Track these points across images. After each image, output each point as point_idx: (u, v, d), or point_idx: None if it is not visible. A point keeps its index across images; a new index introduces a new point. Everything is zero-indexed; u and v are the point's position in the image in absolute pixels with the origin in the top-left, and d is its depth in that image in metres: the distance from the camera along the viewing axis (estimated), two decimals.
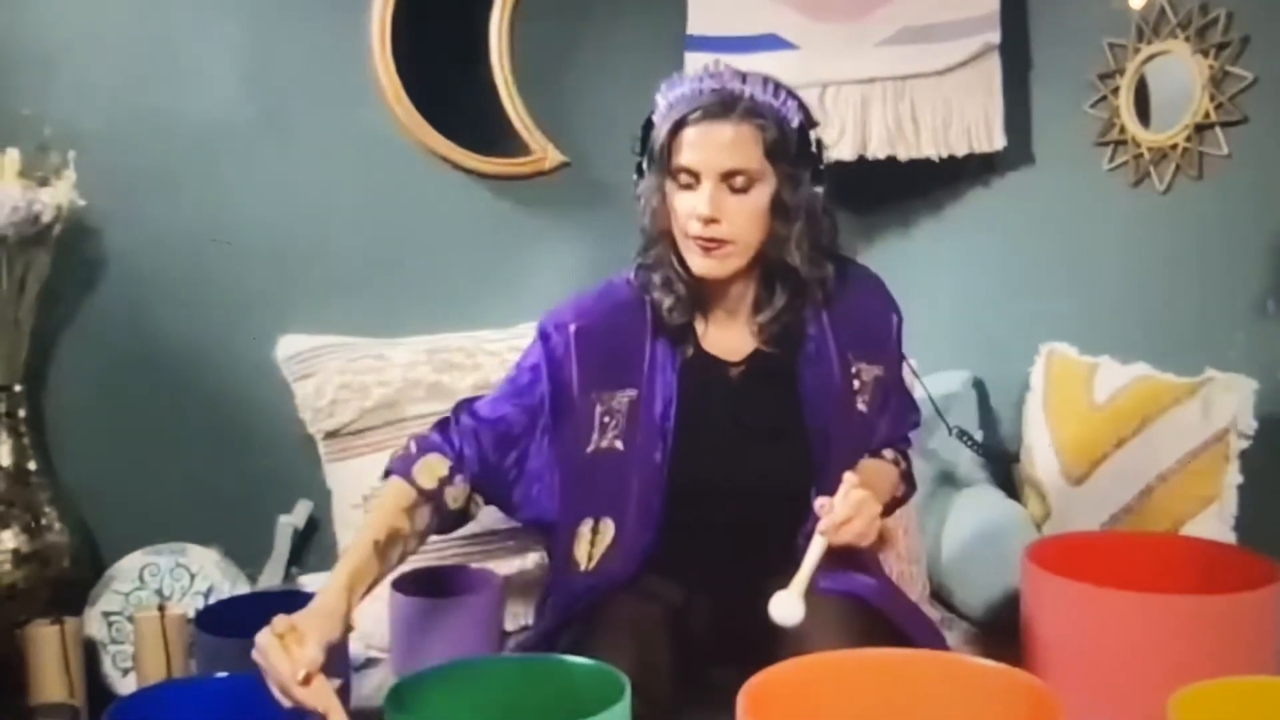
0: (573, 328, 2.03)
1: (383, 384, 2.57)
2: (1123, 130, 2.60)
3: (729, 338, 2.06)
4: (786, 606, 1.75)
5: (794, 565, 1.80)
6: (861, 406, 2.05)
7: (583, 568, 2.02)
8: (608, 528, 2.02)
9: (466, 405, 2.08)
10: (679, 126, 1.90)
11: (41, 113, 2.46)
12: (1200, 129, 2.44)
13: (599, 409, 2.01)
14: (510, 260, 2.94)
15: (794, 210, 1.94)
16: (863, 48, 2.87)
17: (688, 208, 1.91)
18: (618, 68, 3.01)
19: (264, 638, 1.63)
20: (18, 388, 2.44)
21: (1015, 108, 2.83)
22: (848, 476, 1.83)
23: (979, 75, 2.81)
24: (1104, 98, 2.65)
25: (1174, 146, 2.49)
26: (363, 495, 2.58)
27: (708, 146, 1.89)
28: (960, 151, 2.84)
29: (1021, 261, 2.93)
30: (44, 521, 2.44)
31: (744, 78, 1.93)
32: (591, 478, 2.02)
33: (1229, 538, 2.24)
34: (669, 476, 1.99)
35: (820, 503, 1.81)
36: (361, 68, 2.79)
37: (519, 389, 2.06)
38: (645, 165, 1.99)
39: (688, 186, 1.92)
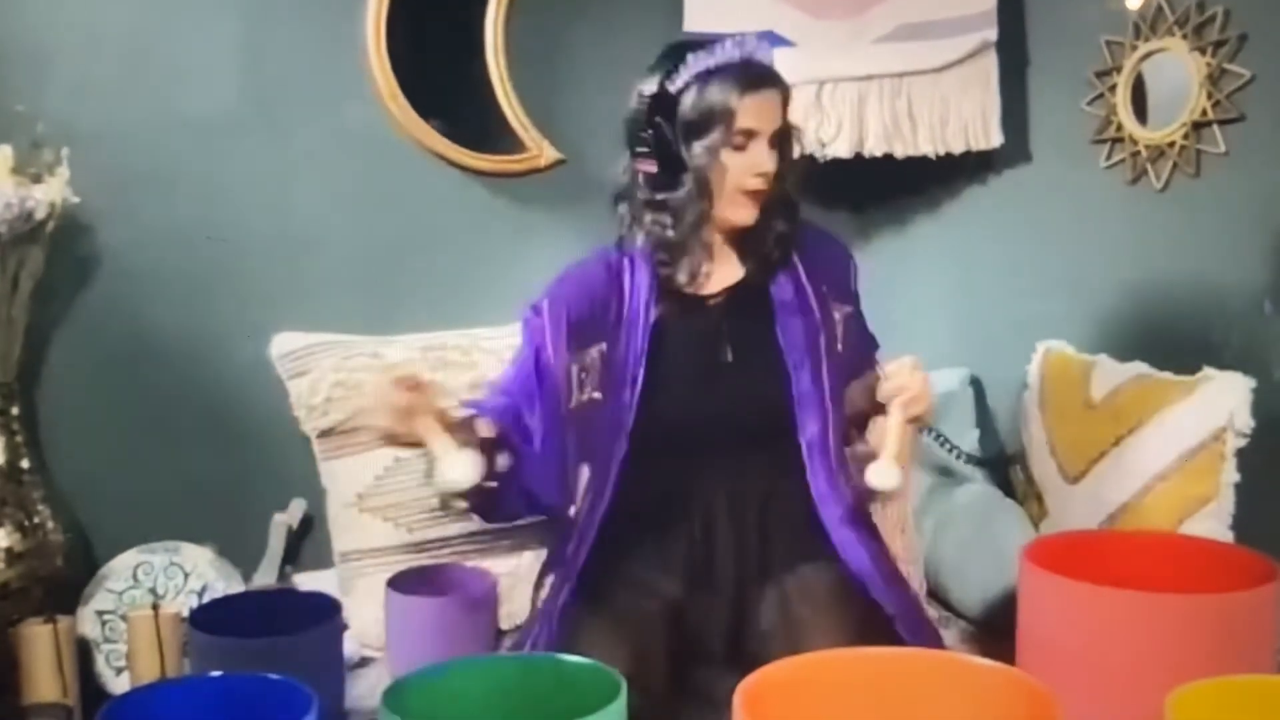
0: (544, 303, 2.20)
1: None
2: (1120, 128, 2.60)
3: (712, 274, 2.18)
4: (884, 474, 1.89)
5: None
6: (839, 345, 2.18)
7: (574, 523, 2.16)
8: (583, 474, 2.17)
9: (485, 387, 2.27)
10: (741, 94, 2.06)
11: (35, 109, 2.45)
12: (1197, 126, 2.44)
13: (575, 368, 2.15)
14: (505, 257, 2.93)
15: (790, 150, 2.15)
16: (860, 45, 2.86)
17: (744, 165, 2.07)
18: (613, 65, 2.98)
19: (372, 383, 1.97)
20: (11, 385, 2.44)
21: (1012, 105, 2.82)
22: (904, 359, 2.01)
23: (976, 72, 2.81)
24: (1101, 95, 2.64)
25: (1171, 144, 2.48)
26: (356, 493, 2.58)
27: (765, 110, 2.07)
28: (957, 149, 2.84)
29: (1018, 259, 2.92)
30: (37, 520, 2.43)
31: (760, 45, 2.14)
32: (573, 431, 2.15)
33: (1226, 536, 2.24)
34: (641, 414, 2.11)
35: (887, 373, 2.00)
36: (357, 65, 2.79)
37: (522, 370, 2.18)
38: (676, 131, 2.09)
39: (739, 147, 2.07)
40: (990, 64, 2.80)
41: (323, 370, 2.58)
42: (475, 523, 2.58)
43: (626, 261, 2.20)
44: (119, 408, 2.64)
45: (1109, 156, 2.64)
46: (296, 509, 2.73)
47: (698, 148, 2.07)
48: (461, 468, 1.84)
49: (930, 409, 2.03)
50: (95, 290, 2.60)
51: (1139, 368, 2.46)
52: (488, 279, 2.92)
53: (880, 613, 2.04)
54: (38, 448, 2.52)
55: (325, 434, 2.59)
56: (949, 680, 1.62)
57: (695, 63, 2.08)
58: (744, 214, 2.11)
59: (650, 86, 2.11)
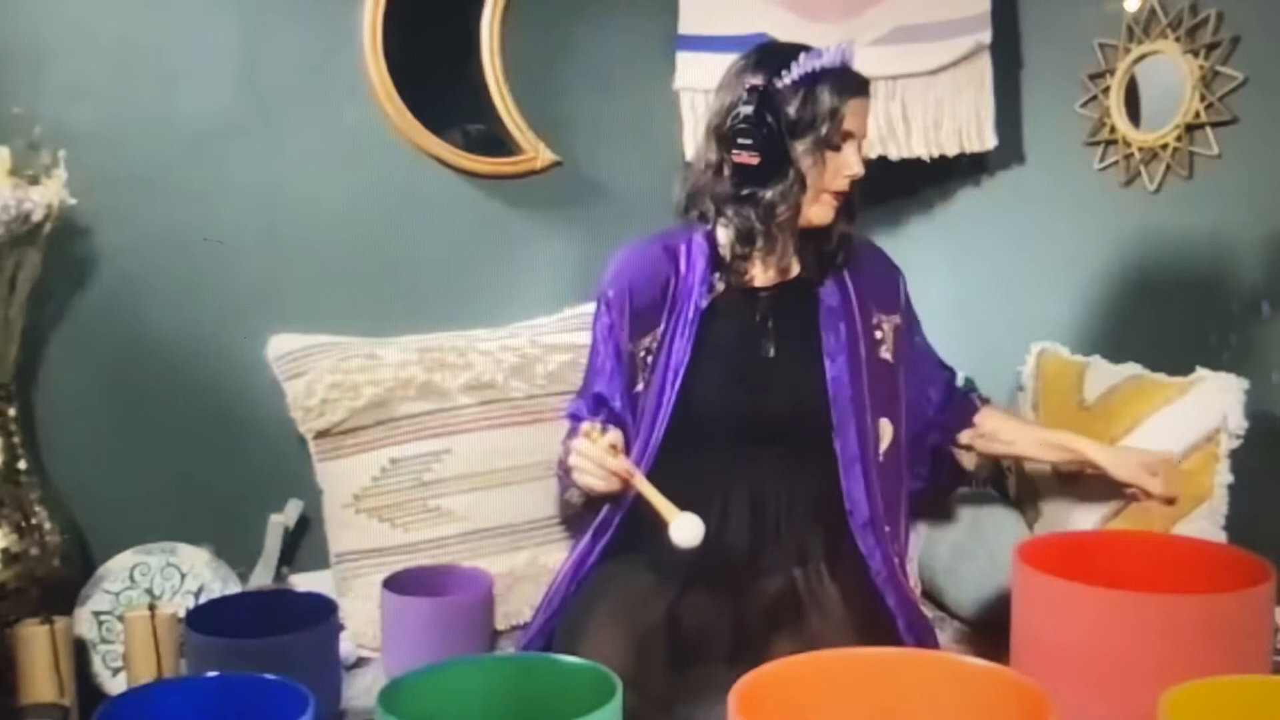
0: (610, 293, 2.29)
1: (374, 383, 2.57)
2: (1113, 130, 2.61)
3: (768, 268, 2.24)
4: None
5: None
6: (886, 355, 2.26)
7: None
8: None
9: (576, 399, 2.39)
10: (849, 97, 2.15)
11: (32, 111, 2.45)
12: (1191, 129, 2.45)
13: (642, 353, 2.25)
14: (501, 259, 2.94)
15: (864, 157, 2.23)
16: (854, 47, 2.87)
17: (839, 166, 2.16)
18: (609, 67, 3.01)
19: (578, 440, 2.08)
20: (8, 387, 2.44)
21: (1006, 107, 2.83)
22: (1164, 456, 2.20)
23: (970, 75, 2.81)
24: (1095, 97, 2.65)
25: (1164, 146, 2.49)
26: (353, 494, 2.58)
27: (863, 115, 2.19)
28: (951, 151, 2.85)
29: (1012, 261, 2.93)
30: (34, 521, 2.43)
31: (854, 56, 2.19)
32: (634, 414, 2.26)
33: (1220, 537, 2.24)
34: (678, 401, 2.17)
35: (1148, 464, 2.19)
36: (353, 66, 2.79)
37: (599, 365, 2.32)
38: (781, 127, 2.13)
39: (836, 148, 2.15)
40: (984, 66, 2.80)
41: (319, 372, 2.58)
42: (470, 523, 2.60)
43: (683, 245, 2.26)
44: (116, 409, 2.64)
45: (1103, 158, 2.65)
46: (293, 510, 2.73)
47: (801, 145, 2.13)
48: (692, 530, 1.94)
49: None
50: (92, 292, 2.60)
51: (1133, 369, 2.47)
52: (484, 281, 2.92)
53: (884, 616, 2.06)
54: (34, 449, 2.52)
55: (321, 435, 2.59)
56: (943, 680, 1.63)
57: (805, 62, 2.13)
58: (825, 213, 2.19)
59: (758, 80, 2.13)
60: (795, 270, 2.25)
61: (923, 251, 3.12)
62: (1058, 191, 2.80)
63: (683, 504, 2.04)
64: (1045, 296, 2.83)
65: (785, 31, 2.87)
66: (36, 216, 2.36)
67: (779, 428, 2.19)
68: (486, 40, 2.88)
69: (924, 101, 2.85)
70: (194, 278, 2.67)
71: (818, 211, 2.19)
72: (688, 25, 2.99)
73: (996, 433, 2.36)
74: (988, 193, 2.97)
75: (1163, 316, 2.56)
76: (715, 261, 2.24)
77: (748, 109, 2.12)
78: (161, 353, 2.66)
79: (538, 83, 2.95)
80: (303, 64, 2.76)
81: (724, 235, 2.22)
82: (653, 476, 2.10)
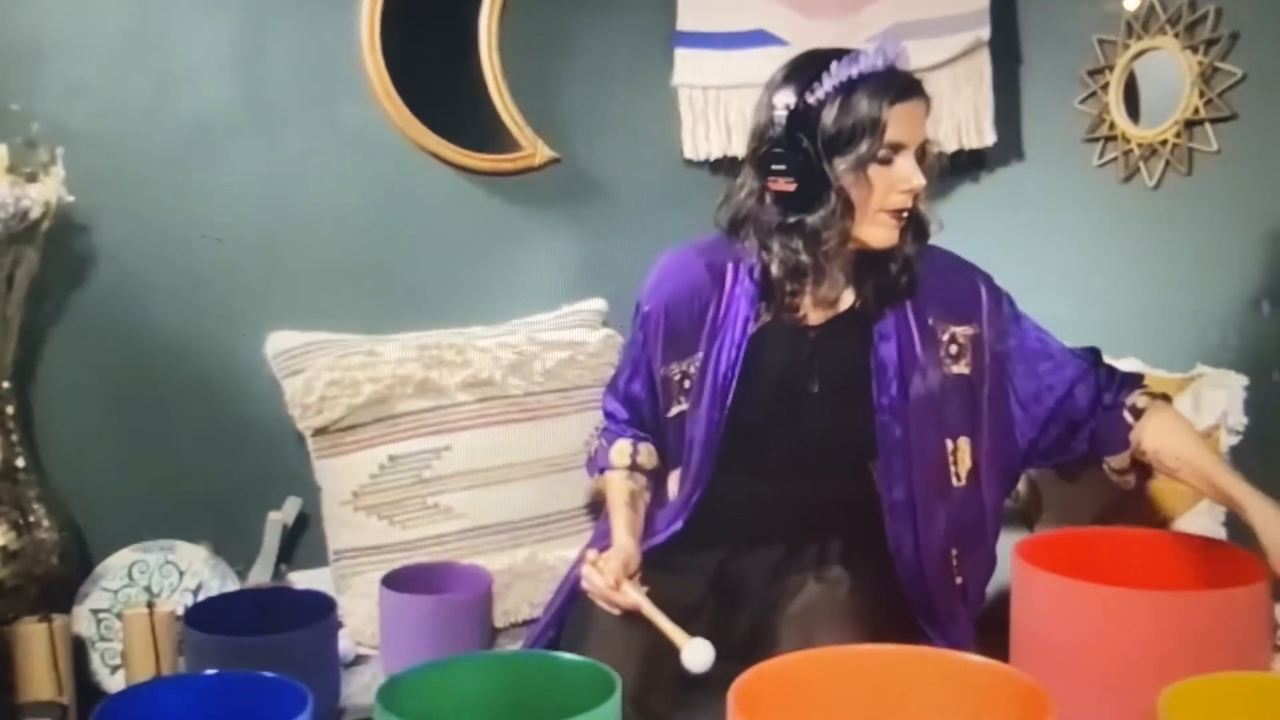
0: (646, 309, 2.22)
1: (372, 380, 2.57)
2: (1112, 126, 2.60)
3: (819, 302, 2.12)
4: None
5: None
6: (960, 369, 2.11)
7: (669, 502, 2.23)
8: (674, 479, 2.20)
9: (611, 393, 2.35)
10: (891, 103, 1.97)
11: (30, 108, 2.45)
12: (1190, 125, 2.44)
13: (677, 376, 2.18)
14: (500, 256, 2.94)
15: (930, 166, 2.05)
16: (853, 44, 2.86)
17: (891, 181, 1.99)
18: (607, 64, 3.01)
19: (585, 569, 2.02)
20: (6, 385, 2.43)
21: (1005, 103, 2.82)
22: None
23: (969, 71, 2.81)
24: (1093, 93, 2.65)
25: (1164, 142, 2.49)
26: (351, 491, 2.58)
27: (913, 121, 2.00)
28: (950, 147, 2.83)
29: (1011, 257, 2.92)
30: (32, 519, 2.43)
31: (901, 52, 2.03)
32: (672, 436, 2.22)
33: (1219, 534, 2.24)
34: (724, 435, 2.10)
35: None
36: (351, 64, 2.78)
37: (635, 362, 2.28)
38: (818, 147, 1.97)
39: (886, 161, 1.98)
40: (983, 62, 2.80)
41: (317, 369, 2.58)
42: (468, 520, 2.60)
43: (731, 267, 2.14)
44: (114, 406, 2.64)
45: (1101, 155, 2.64)
46: (291, 507, 2.73)
47: (842, 163, 1.97)
48: (703, 655, 1.88)
49: None
50: (90, 290, 2.59)
51: (1132, 365, 2.46)
52: (482, 278, 2.92)
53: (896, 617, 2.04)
54: (33, 447, 2.52)
55: (320, 432, 2.59)
56: (943, 677, 1.63)
57: (838, 71, 1.97)
58: (885, 234, 2.03)
59: (787, 98, 1.98)
60: (850, 301, 2.12)
61: None
62: (1056, 188, 2.79)
63: (720, 531, 2.07)
64: (1044, 293, 2.81)
65: (783, 28, 2.87)
66: (34, 214, 2.36)
67: (821, 463, 2.11)
68: (485, 37, 2.88)
69: None
70: (192, 275, 2.67)
71: (875, 234, 2.02)
72: (686, 21, 2.99)
73: (1160, 456, 2.05)
74: (986, 189, 2.96)
75: (1162, 313, 2.56)
76: (764, 290, 2.10)
77: (778, 131, 1.98)
78: (160, 350, 2.66)
79: (536, 79, 2.95)
80: (301, 61, 2.76)
81: (774, 268, 2.05)
82: (699, 501, 2.11)
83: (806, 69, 2.00)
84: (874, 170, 1.98)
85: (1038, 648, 1.91)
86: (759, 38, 2.92)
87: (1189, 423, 2.13)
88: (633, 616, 1.97)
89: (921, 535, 2.08)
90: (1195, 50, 2.41)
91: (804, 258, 2.02)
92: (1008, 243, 2.93)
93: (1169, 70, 2.47)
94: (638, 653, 1.93)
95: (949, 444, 2.10)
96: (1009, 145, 2.86)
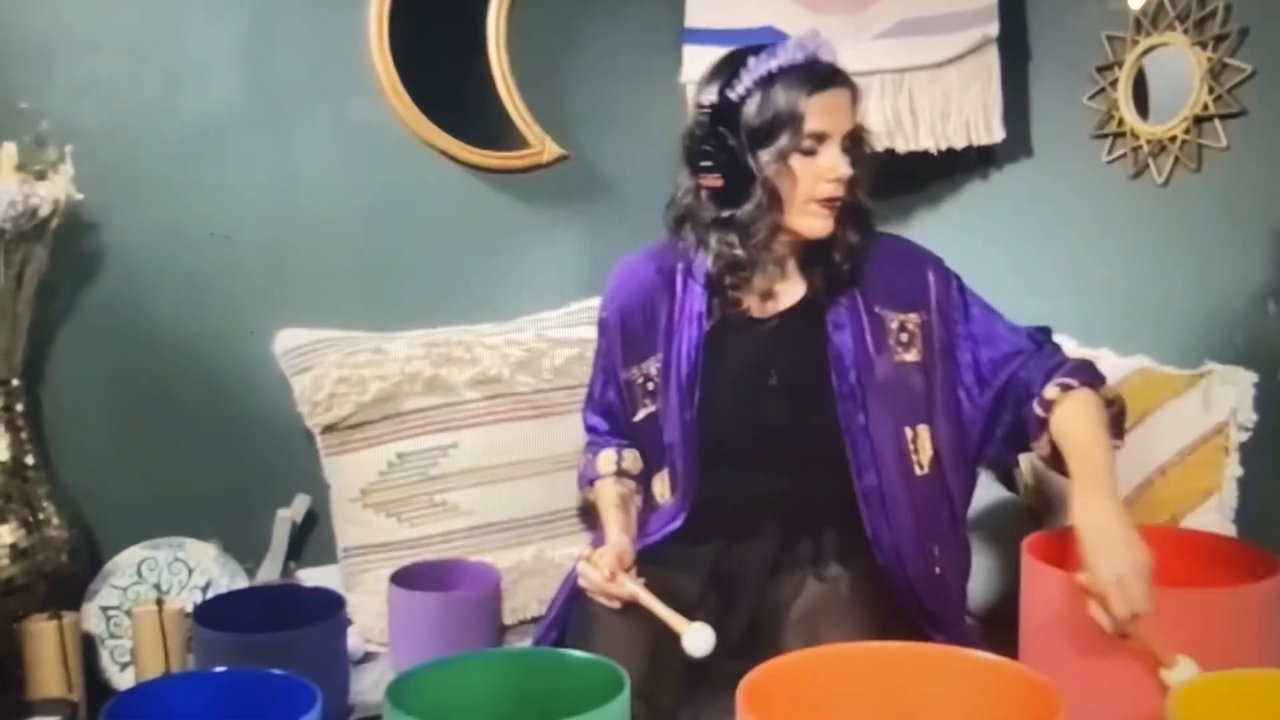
0: (603, 315, 2.27)
1: (380, 378, 2.57)
2: (1121, 123, 2.60)
3: (770, 294, 2.14)
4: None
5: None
6: (910, 356, 2.11)
7: (659, 504, 2.24)
8: (664, 479, 2.22)
9: (589, 407, 2.39)
10: (809, 94, 2.00)
11: (39, 106, 2.46)
12: (1199, 121, 2.44)
13: (639, 379, 2.21)
14: (508, 254, 2.94)
15: (863, 154, 2.09)
16: (861, 40, 2.86)
17: (816, 171, 2.02)
18: (615, 60, 3.01)
19: (580, 565, 2.03)
20: (15, 382, 2.44)
21: (1014, 100, 2.82)
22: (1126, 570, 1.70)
23: (978, 68, 2.80)
24: (1102, 90, 2.64)
25: (1173, 139, 2.48)
26: (360, 489, 2.58)
27: (835, 111, 2.02)
28: (959, 144, 2.84)
29: (1020, 254, 2.92)
30: (42, 516, 2.43)
31: (823, 44, 2.06)
32: (644, 440, 2.26)
33: (1229, 530, 2.23)
34: (699, 434, 2.13)
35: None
36: (359, 61, 2.79)
37: (605, 371, 2.32)
38: (742, 141, 2.01)
39: (810, 152, 2.01)
40: (992, 59, 2.79)
41: (326, 366, 2.58)
42: (476, 518, 2.60)
43: (681, 267, 2.17)
44: (123, 404, 2.64)
45: (1110, 151, 2.64)
46: (300, 505, 2.74)
47: (765, 155, 2.00)
48: (704, 639, 1.89)
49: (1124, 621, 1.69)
50: (99, 287, 2.60)
51: (1141, 361, 2.46)
52: (490, 275, 2.92)
53: (897, 614, 2.04)
54: (42, 444, 2.53)
55: (328, 430, 2.59)
56: (952, 674, 1.62)
57: (756, 66, 2.00)
58: (819, 225, 2.05)
59: (710, 96, 2.03)
60: (801, 292, 2.14)
61: (929, 244, 3.08)
62: (1065, 184, 2.78)
63: (715, 527, 2.07)
64: (1053, 289, 2.82)
65: (792, 24, 2.86)
66: (43, 212, 2.36)
67: (795, 458, 2.11)
68: (493, 34, 2.88)
69: (931, 94, 2.83)
70: (201, 273, 2.68)
71: (808, 224, 2.05)
72: (694, 18, 2.99)
73: (1060, 448, 1.99)
74: (995, 185, 2.96)
75: (1171, 309, 2.55)
76: (713, 288, 2.13)
77: (701, 128, 2.04)
78: (168, 348, 2.66)
79: (544, 76, 2.95)
80: (309, 59, 2.76)
81: (709, 263, 2.09)
82: (692, 501, 2.12)
83: (728, 66, 2.05)
84: (798, 161, 2.01)
85: (1047, 644, 1.91)
86: (767, 34, 2.90)
87: (1094, 414, 2.01)
88: (634, 613, 1.98)
89: (893, 524, 2.08)
90: (1204, 46, 2.40)
91: (738, 251, 2.05)
92: (1016, 239, 2.93)
93: (1178, 66, 2.47)
94: (642, 650, 1.93)
95: (908, 432, 2.10)
96: (1018, 142, 2.86)
